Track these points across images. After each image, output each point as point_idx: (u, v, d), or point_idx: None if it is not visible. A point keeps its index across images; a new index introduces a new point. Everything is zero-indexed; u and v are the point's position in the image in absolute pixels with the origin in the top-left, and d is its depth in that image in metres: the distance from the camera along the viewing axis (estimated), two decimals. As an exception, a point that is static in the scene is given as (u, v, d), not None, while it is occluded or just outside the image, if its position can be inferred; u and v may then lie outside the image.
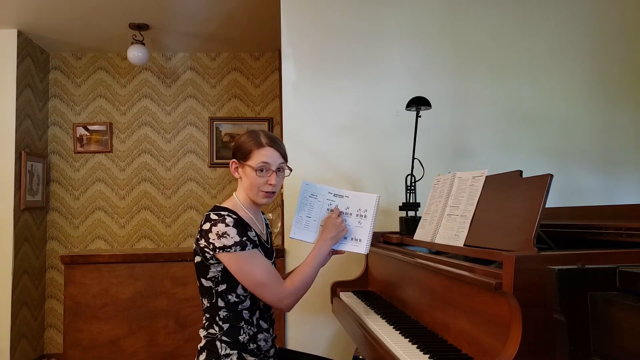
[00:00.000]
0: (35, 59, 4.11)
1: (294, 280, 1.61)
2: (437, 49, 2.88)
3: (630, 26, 2.97)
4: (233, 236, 1.52)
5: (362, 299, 2.18)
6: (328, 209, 1.75)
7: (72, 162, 4.32)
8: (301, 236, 1.76)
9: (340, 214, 1.73)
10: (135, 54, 3.77)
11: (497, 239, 1.46)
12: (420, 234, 2.01)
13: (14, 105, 3.80)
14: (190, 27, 3.80)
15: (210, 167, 4.36)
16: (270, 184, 1.61)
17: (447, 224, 1.80)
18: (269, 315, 1.71)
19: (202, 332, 1.64)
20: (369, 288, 2.43)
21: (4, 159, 3.78)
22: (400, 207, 2.44)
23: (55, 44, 4.13)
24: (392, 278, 2.10)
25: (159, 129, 4.37)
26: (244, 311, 1.61)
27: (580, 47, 2.93)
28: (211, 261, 1.56)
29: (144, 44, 3.82)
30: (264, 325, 1.67)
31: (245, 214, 1.64)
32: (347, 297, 2.28)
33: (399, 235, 2.28)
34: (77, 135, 4.31)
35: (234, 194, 1.70)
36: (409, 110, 2.47)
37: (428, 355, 1.34)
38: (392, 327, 1.66)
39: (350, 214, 1.73)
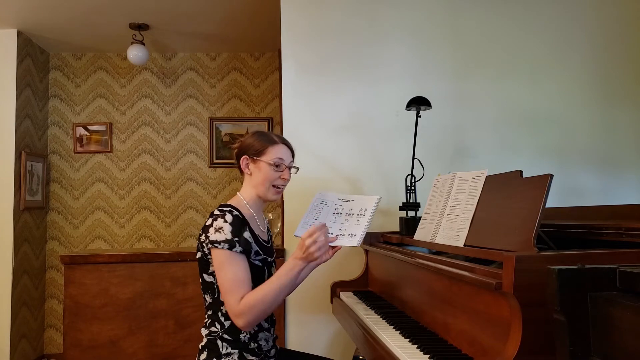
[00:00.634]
0: (35, 59, 4.11)
1: (250, 299, 1.48)
2: (437, 49, 2.88)
3: (630, 26, 2.96)
4: (226, 233, 1.54)
5: (362, 299, 2.18)
6: (334, 213, 1.79)
7: (72, 162, 4.32)
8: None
9: (311, 235, 1.52)
10: (135, 54, 3.77)
11: (497, 239, 1.46)
12: (420, 234, 2.01)
13: (14, 105, 3.80)
14: (190, 27, 3.80)
15: (210, 167, 4.36)
16: (284, 179, 1.69)
17: (447, 224, 1.80)
18: (270, 316, 1.71)
19: (204, 331, 1.64)
20: (369, 288, 2.43)
21: (4, 159, 3.78)
22: (400, 207, 2.44)
23: (55, 44, 4.13)
24: (392, 278, 2.10)
25: (159, 129, 4.37)
26: None
27: (580, 47, 2.93)
28: (209, 256, 1.59)
29: (144, 44, 3.82)
30: (265, 325, 1.67)
31: (248, 212, 1.67)
32: (347, 297, 2.28)
33: (399, 235, 2.28)
34: (77, 135, 4.31)
35: (237, 193, 1.73)
36: (409, 110, 2.47)
37: (428, 356, 1.34)
38: (392, 327, 1.66)
39: (352, 214, 1.77)
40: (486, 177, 1.69)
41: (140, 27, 3.72)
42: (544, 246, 1.46)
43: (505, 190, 1.54)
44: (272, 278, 1.54)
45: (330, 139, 2.82)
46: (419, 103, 2.40)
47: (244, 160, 1.70)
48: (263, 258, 1.65)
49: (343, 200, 1.82)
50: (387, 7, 2.88)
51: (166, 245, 4.30)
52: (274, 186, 1.68)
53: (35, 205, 4.06)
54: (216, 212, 1.60)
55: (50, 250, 4.26)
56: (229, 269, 1.52)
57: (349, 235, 1.71)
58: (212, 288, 1.62)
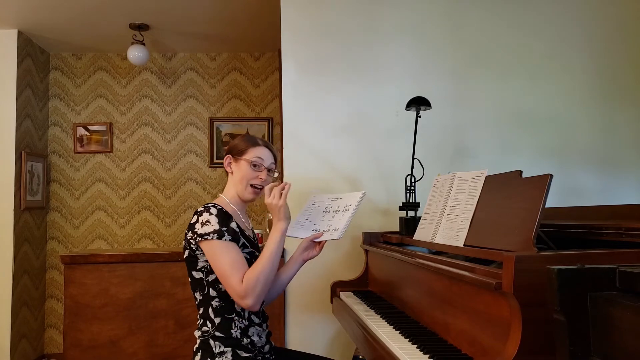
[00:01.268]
0: (35, 59, 4.11)
1: (249, 276, 1.55)
2: (437, 49, 2.88)
3: (630, 26, 2.96)
4: (214, 224, 1.58)
5: (362, 299, 2.18)
6: (324, 211, 1.87)
7: (72, 162, 4.32)
8: (295, 234, 1.85)
9: (271, 189, 1.68)
10: (135, 54, 3.77)
11: (497, 239, 1.46)
12: (420, 234, 2.01)
13: (14, 105, 3.80)
14: (190, 27, 3.80)
15: (210, 167, 4.36)
16: (260, 179, 1.73)
17: (447, 224, 1.80)
18: (262, 311, 1.73)
19: (197, 333, 1.65)
20: (369, 288, 2.43)
21: (4, 159, 3.78)
22: (400, 207, 2.44)
23: (55, 44, 4.13)
24: (392, 278, 2.10)
25: (159, 129, 4.37)
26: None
27: (580, 48, 2.93)
28: (197, 252, 1.61)
29: (144, 44, 3.82)
30: (256, 320, 1.68)
31: (231, 209, 1.72)
32: (347, 297, 2.28)
33: (399, 235, 2.28)
34: (77, 136, 4.31)
35: (220, 194, 1.79)
36: (409, 110, 2.47)
37: (428, 355, 1.34)
38: (392, 327, 1.66)
39: (338, 211, 1.84)
40: (486, 177, 1.69)
41: (141, 27, 3.73)
42: (544, 246, 1.46)
43: (505, 190, 1.54)
44: (263, 251, 1.62)
45: (330, 139, 2.82)
46: (418, 103, 2.40)
47: (227, 159, 1.77)
48: (250, 251, 1.69)
49: (332, 199, 1.90)
50: (387, 7, 2.88)
51: (166, 245, 4.30)
52: (251, 185, 1.73)
53: (36, 205, 4.06)
54: (200, 209, 1.64)
55: (51, 250, 4.26)
56: (223, 255, 1.56)
57: (332, 230, 1.77)
58: (201, 284, 1.64)
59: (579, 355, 0.85)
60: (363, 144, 2.83)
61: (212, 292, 1.62)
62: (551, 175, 1.34)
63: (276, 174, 1.80)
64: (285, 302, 2.75)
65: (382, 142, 2.83)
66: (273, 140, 4.34)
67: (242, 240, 1.66)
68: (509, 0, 2.92)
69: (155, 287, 2.75)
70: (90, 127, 4.33)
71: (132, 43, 3.79)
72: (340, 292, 2.37)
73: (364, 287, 2.44)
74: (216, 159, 4.35)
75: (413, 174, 2.45)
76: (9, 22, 3.67)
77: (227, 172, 1.79)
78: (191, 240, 1.61)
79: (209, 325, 1.61)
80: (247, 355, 1.60)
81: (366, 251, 2.48)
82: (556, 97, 2.90)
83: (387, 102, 2.83)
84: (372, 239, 2.44)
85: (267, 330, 1.74)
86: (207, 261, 1.61)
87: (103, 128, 4.33)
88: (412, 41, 2.88)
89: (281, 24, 2.84)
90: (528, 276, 1.11)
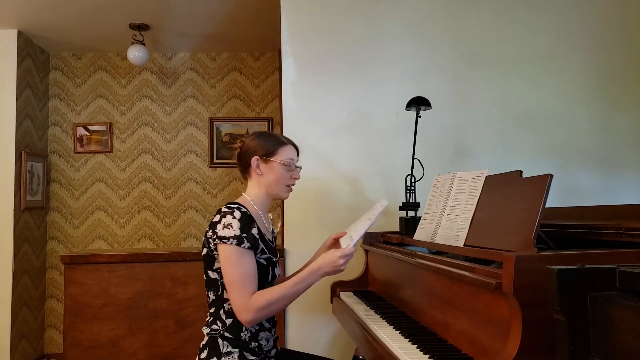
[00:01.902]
0: (35, 59, 4.11)
1: (263, 297, 1.53)
2: (437, 49, 2.88)
3: (630, 26, 2.96)
4: (235, 229, 1.56)
5: (362, 299, 2.18)
6: (368, 219, 1.72)
7: (72, 162, 4.32)
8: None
9: (345, 256, 1.58)
10: (135, 54, 3.77)
11: (497, 239, 1.46)
12: (420, 234, 2.02)
13: (14, 105, 3.80)
14: (190, 27, 3.80)
15: (210, 167, 4.36)
16: (295, 178, 1.76)
17: (447, 224, 1.80)
18: (272, 317, 1.71)
19: (205, 329, 1.64)
20: (369, 288, 2.43)
21: (4, 159, 3.78)
22: (400, 207, 2.44)
23: (55, 44, 4.13)
24: (392, 278, 2.10)
25: (159, 129, 4.37)
26: None
27: (580, 47, 2.93)
28: (215, 252, 1.59)
29: (144, 44, 3.82)
30: (266, 325, 1.68)
31: (255, 210, 1.70)
32: (347, 297, 2.28)
33: (399, 235, 2.28)
34: (77, 136, 4.31)
35: (243, 193, 1.75)
36: (409, 110, 2.47)
37: (428, 355, 1.34)
38: (392, 327, 1.66)
39: (363, 219, 1.73)
40: (486, 177, 1.69)
41: (140, 27, 3.72)
42: (544, 246, 1.46)
43: (505, 190, 1.54)
44: (289, 282, 1.57)
45: (330, 139, 2.82)
46: (418, 103, 2.40)
47: (254, 160, 1.71)
48: (268, 257, 1.66)
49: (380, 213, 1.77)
50: (387, 7, 2.88)
51: (166, 245, 4.30)
52: (286, 185, 1.73)
53: (36, 205, 4.06)
54: (224, 209, 1.61)
55: (51, 250, 4.26)
56: (237, 264, 1.54)
57: (348, 237, 1.70)
58: (216, 285, 1.62)
59: (579, 355, 0.85)
60: (363, 144, 2.83)
61: (226, 295, 1.60)
62: (551, 175, 1.34)
63: (300, 169, 1.79)
64: (285, 302, 2.74)
65: (382, 142, 2.83)
66: (273, 140, 4.33)
67: (261, 246, 1.64)
68: (509, 0, 2.92)
69: (155, 287, 2.75)
70: (90, 127, 4.33)
71: (132, 43, 3.79)
72: (340, 292, 2.37)
73: (364, 287, 2.44)
74: (216, 159, 4.35)
75: (413, 174, 2.45)
76: (9, 22, 3.67)
77: (244, 172, 1.75)
78: (210, 240, 1.59)
79: (219, 324, 1.61)
80: (254, 358, 1.60)
81: (366, 251, 2.48)
82: (556, 97, 2.90)
83: (387, 102, 2.83)
84: (372, 239, 2.44)
85: (275, 335, 1.73)
86: None
87: (103, 128, 4.32)
88: (412, 41, 2.88)
89: (281, 24, 2.84)
90: (528, 276, 1.11)
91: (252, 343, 1.61)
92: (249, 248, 1.56)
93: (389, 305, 2.00)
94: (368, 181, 2.81)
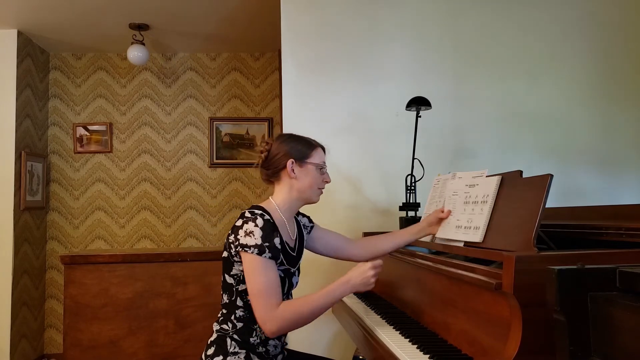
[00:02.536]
0: (35, 59, 4.11)
1: (288, 308, 1.49)
2: (437, 49, 2.88)
3: (630, 26, 2.96)
4: (257, 237, 1.51)
5: (362, 299, 2.18)
6: (464, 202, 1.65)
7: (72, 162, 4.32)
8: (443, 234, 1.73)
9: (376, 267, 1.54)
10: (135, 54, 3.77)
11: (497, 239, 1.46)
12: (420, 234, 2.01)
13: (14, 105, 3.80)
14: (190, 27, 3.80)
15: (210, 167, 4.36)
16: (326, 181, 1.71)
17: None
18: None
19: (216, 326, 1.63)
20: (369, 288, 2.43)
21: (4, 159, 3.78)
22: (400, 207, 2.44)
23: (55, 44, 4.13)
24: (392, 278, 2.10)
25: (159, 129, 4.37)
26: None
27: (580, 47, 2.93)
28: (235, 258, 1.56)
29: (144, 44, 3.82)
30: None
31: (279, 217, 1.64)
32: (347, 297, 2.28)
33: (399, 235, 2.27)
34: (77, 136, 4.31)
35: (270, 197, 1.69)
36: (409, 110, 2.47)
37: (428, 356, 1.33)
38: (392, 327, 1.66)
39: (477, 202, 1.61)
40: (486, 177, 1.69)
41: (140, 27, 3.72)
42: (544, 246, 1.46)
43: (505, 190, 1.54)
44: (317, 294, 1.52)
45: (330, 139, 2.79)
46: (418, 103, 2.40)
47: (290, 163, 1.65)
48: (286, 269, 1.63)
49: (470, 186, 1.68)
50: (387, 7, 2.88)
51: (166, 245, 4.30)
52: (318, 188, 1.69)
53: (36, 205, 4.05)
54: (247, 214, 1.57)
55: (51, 250, 4.26)
56: (261, 274, 1.49)
57: (474, 229, 1.56)
58: (230, 290, 1.60)
59: (579, 355, 0.85)
60: (363, 144, 2.83)
61: (239, 302, 1.58)
62: (551, 175, 1.34)
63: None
64: (285, 302, 2.74)
65: (382, 142, 2.83)
66: (273, 140, 4.33)
67: (281, 258, 1.59)
68: (509, 0, 2.92)
69: (155, 287, 2.75)
70: (90, 127, 4.33)
71: (132, 43, 3.79)
72: (340, 292, 2.37)
73: (364, 287, 2.44)
74: (216, 159, 4.35)
75: (413, 174, 2.45)
76: (9, 22, 3.67)
77: (269, 176, 1.69)
78: (232, 245, 1.55)
79: (230, 326, 1.59)
80: None
81: (366, 251, 2.47)
82: (556, 97, 2.90)
83: (387, 102, 2.83)
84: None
85: (284, 342, 1.71)
86: (242, 270, 1.55)
87: (103, 128, 4.32)
88: (412, 41, 2.88)
89: (281, 24, 2.84)
90: (528, 276, 1.11)
91: (260, 348, 1.60)
92: (270, 258, 1.52)
93: (389, 306, 2.00)
94: (368, 181, 2.80)
